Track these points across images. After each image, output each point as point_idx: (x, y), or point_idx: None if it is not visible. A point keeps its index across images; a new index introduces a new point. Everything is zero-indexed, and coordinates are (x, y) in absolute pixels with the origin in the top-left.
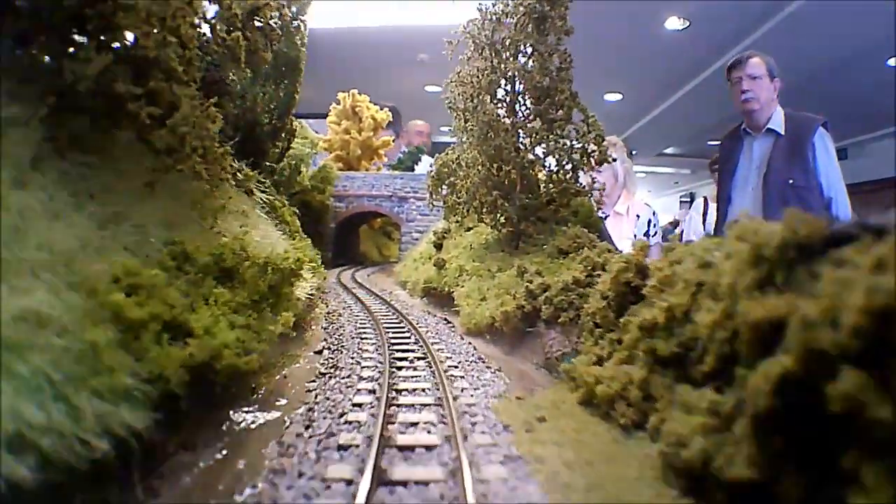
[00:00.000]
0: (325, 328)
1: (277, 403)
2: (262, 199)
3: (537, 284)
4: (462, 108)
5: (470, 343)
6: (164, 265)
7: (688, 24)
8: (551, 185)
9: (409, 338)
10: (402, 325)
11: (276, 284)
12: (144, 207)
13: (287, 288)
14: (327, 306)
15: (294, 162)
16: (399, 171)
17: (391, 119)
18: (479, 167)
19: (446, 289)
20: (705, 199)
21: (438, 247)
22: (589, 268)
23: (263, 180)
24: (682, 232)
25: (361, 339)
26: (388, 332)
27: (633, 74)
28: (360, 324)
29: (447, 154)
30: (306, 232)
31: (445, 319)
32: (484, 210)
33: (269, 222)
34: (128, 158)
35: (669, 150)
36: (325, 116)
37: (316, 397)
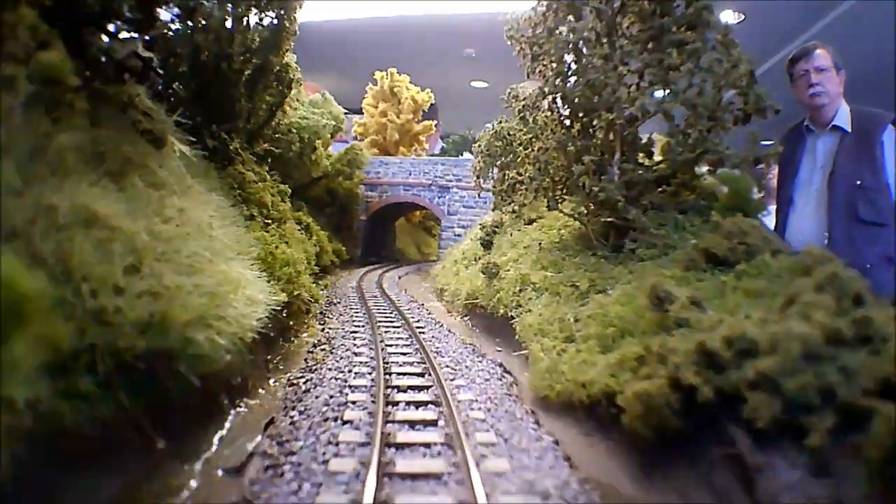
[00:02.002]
0: (290, 385)
1: None
2: (181, 152)
3: (722, 339)
4: (529, 37)
5: (557, 445)
6: None
7: (743, 17)
8: (679, 151)
9: (433, 423)
10: (426, 383)
11: None
12: None
13: None
14: (323, 329)
15: (306, 136)
16: (440, 157)
17: (433, 101)
18: (555, 126)
19: (501, 309)
20: None
21: (487, 245)
22: (845, 302)
23: (227, 139)
24: None
25: (343, 424)
26: (398, 406)
27: None
28: (356, 377)
29: (501, 122)
30: (331, 226)
31: (501, 368)
32: (560, 190)
33: (203, 195)
34: None
35: None
36: (361, 112)
37: None
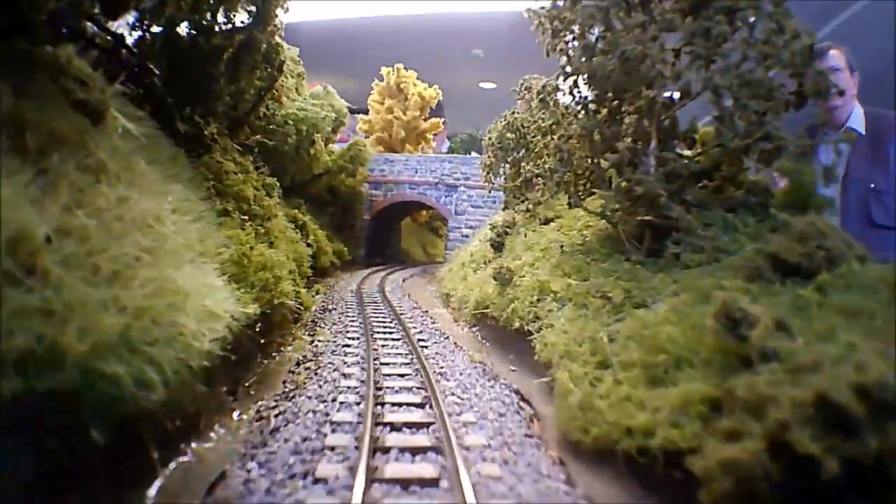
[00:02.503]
0: (258, 419)
1: None
2: (128, 131)
3: (852, 386)
4: (549, 10)
5: None
6: None
7: (753, 18)
8: (730, 137)
9: (434, 483)
10: (426, 418)
11: None
12: None
13: None
14: (312, 341)
15: (304, 128)
16: (447, 155)
17: (441, 98)
18: (578, 112)
19: (516, 322)
20: None
21: (498, 247)
22: None
23: (202, 124)
24: None
25: (314, 483)
26: (389, 455)
27: None
28: (340, 408)
29: (514, 113)
30: (333, 225)
31: (518, 396)
32: (583, 185)
33: (161, 184)
34: None
35: None
36: (367, 112)
37: None
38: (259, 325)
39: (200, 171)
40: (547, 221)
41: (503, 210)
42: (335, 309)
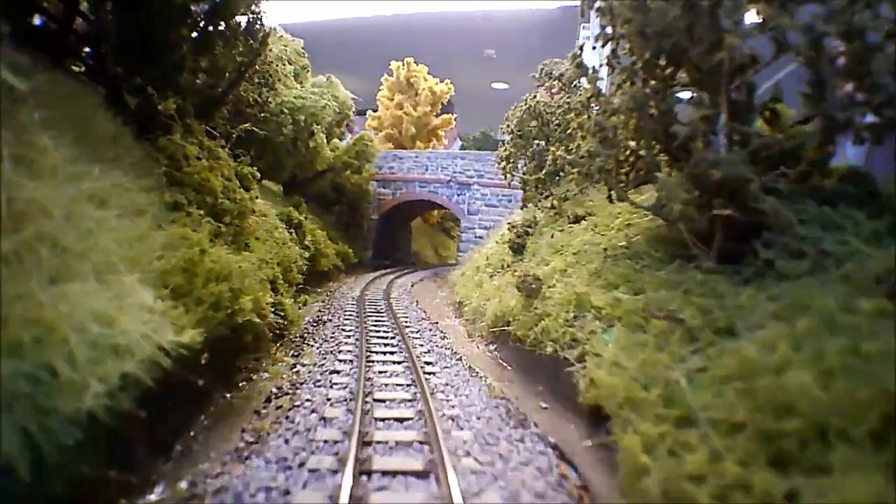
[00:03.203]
0: (188, 499)
1: None
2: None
3: None
4: None
5: None
6: None
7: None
8: (829, 104)
9: None
10: (431, 499)
11: None
12: None
13: None
14: (295, 365)
15: (302, 118)
16: (460, 151)
17: (453, 93)
18: (623, 81)
19: (547, 345)
20: None
21: (518, 249)
22: None
23: (155, 97)
24: None
25: None
26: None
27: None
28: (309, 480)
29: (535, 97)
30: (340, 225)
31: (556, 453)
32: (626, 174)
33: (73, 167)
34: None
35: None
36: (377, 110)
37: None
38: (206, 354)
39: (153, 154)
40: (577, 219)
41: (522, 208)
42: (330, 321)
